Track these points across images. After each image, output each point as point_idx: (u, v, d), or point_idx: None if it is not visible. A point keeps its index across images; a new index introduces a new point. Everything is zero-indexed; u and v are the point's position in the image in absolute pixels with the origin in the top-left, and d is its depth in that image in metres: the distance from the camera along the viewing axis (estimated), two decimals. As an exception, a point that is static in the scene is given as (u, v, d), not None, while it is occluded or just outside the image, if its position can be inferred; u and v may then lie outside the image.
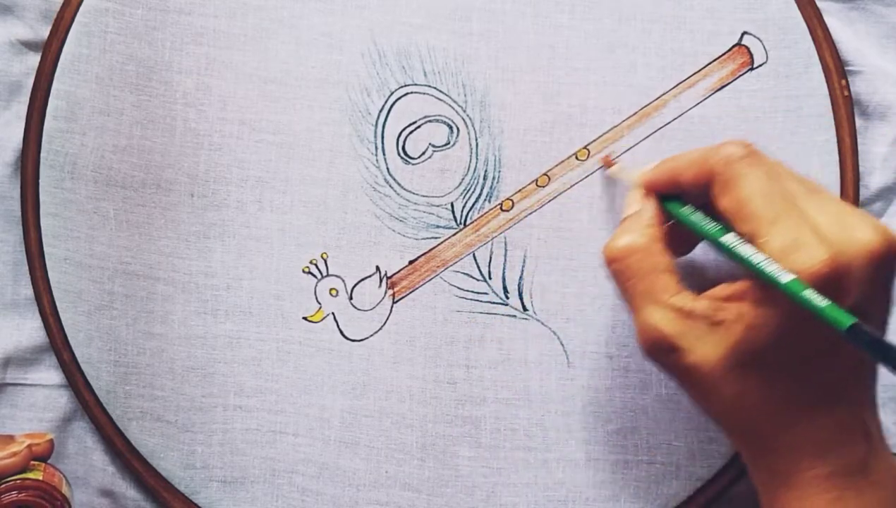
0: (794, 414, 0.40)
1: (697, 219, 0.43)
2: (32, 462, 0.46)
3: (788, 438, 0.41)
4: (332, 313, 0.51)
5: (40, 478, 0.45)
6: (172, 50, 0.50)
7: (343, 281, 0.51)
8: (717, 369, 0.40)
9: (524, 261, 0.51)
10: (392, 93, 0.51)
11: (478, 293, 0.51)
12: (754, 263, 0.39)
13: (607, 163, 0.50)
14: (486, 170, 0.51)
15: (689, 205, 0.44)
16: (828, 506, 0.40)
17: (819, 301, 0.37)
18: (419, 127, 0.51)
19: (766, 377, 0.40)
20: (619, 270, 0.43)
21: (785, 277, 0.38)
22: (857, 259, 0.38)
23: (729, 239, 0.41)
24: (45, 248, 0.51)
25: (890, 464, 0.42)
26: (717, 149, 0.42)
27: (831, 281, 0.37)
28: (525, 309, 0.51)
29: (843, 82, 0.51)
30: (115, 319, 0.51)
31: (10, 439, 0.46)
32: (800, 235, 0.38)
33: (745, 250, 0.40)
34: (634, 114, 0.51)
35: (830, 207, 0.40)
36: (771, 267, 0.38)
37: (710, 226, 0.42)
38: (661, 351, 0.41)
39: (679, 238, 0.45)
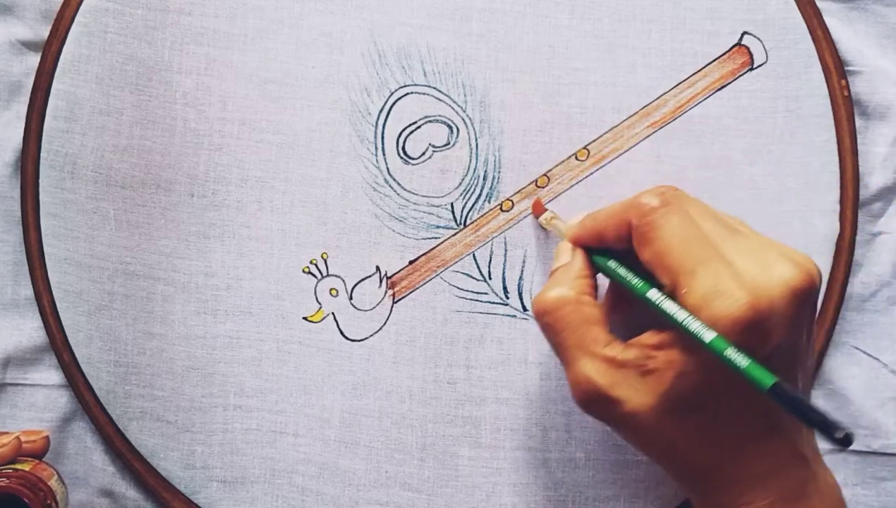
0: (731, 451, 0.41)
1: (623, 273, 0.43)
2: (24, 458, 0.46)
3: (727, 474, 0.41)
4: (332, 313, 0.51)
5: (27, 469, 0.45)
6: (172, 50, 0.50)
7: (343, 281, 0.51)
8: (651, 415, 0.40)
9: (524, 261, 0.51)
10: (392, 94, 0.51)
11: (478, 293, 0.51)
12: (678, 320, 0.39)
13: (537, 210, 0.50)
14: (485, 171, 0.51)
15: (613, 260, 0.44)
16: None
17: (740, 361, 0.37)
18: (419, 127, 0.51)
19: (698, 420, 0.40)
20: (550, 323, 0.43)
21: (708, 335, 0.38)
22: (779, 298, 0.38)
23: (653, 295, 0.41)
24: (45, 248, 0.51)
25: (829, 483, 0.42)
26: (635, 200, 0.42)
27: (754, 324, 0.38)
28: (525, 309, 0.51)
29: (843, 82, 0.51)
30: (115, 319, 0.51)
31: (3, 434, 0.47)
32: (719, 282, 0.38)
33: (669, 306, 0.40)
34: (634, 114, 0.51)
35: (750, 246, 0.40)
36: (694, 325, 0.38)
37: (634, 280, 0.42)
38: (595, 403, 0.41)
39: (618, 292, 0.45)
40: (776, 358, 0.39)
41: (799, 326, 0.40)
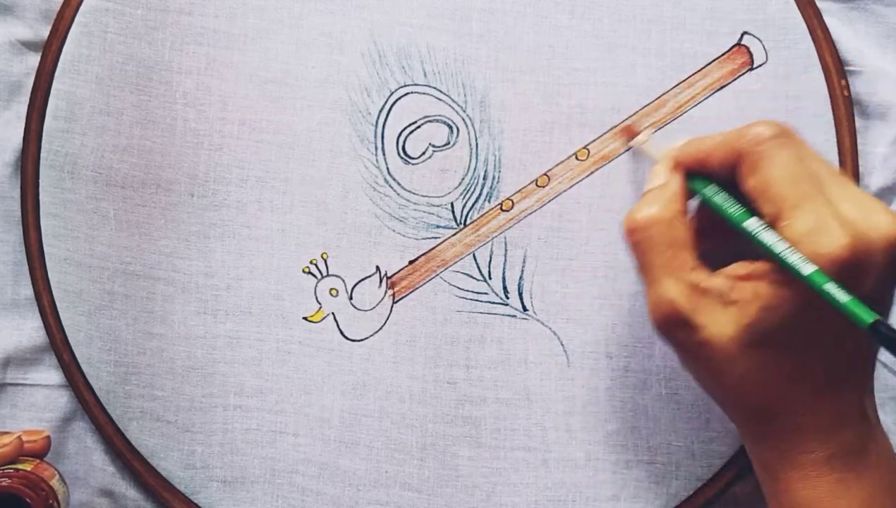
0: (801, 395, 0.41)
1: (721, 200, 0.43)
2: (25, 458, 0.46)
3: (793, 421, 0.41)
4: (332, 313, 0.51)
5: (28, 469, 0.45)
6: (172, 50, 0.50)
7: (343, 281, 0.51)
8: (729, 346, 0.40)
9: (524, 261, 0.51)
10: (392, 94, 0.51)
11: (478, 293, 0.51)
12: (777, 251, 0.39)
13: (630, 134, 0.50)
14: (486, 170, 0.51)
15: (713, 186, 0.44)
16: (830, 487, 0.41)
17: (841, 296, 0.37)
18: (419, 127, 0.51)
19: (776, 357, 0.40)
20: (639, 241, 0.43)
21: (807, 268, 0.38)
22: (878, 244, 0.39)
23: (752, 224, 0.41)
24: (45, 248, 0.51)
25: (886, 446, 0.43)
26: (747, 129, 0.42)
27: (851, 265, 0.38)
28: (525, 309, 0.51)
29: (843, 82, 0.51)
30: (115, 319, 0.51)
31: (5, 434, 0.47)
32: (822, 219, 0.39)
33: (768, 237, 0.40)
34: (634, 114, 0.51)
35: (853, 194, 0.41)
36: (793, 257, 0.38)
37: (733, 208, 0.42)
38: (673, 326, 0.41)
39: (705, 221, 0.45)
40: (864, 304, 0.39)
41: (888, 278, 0.40)
